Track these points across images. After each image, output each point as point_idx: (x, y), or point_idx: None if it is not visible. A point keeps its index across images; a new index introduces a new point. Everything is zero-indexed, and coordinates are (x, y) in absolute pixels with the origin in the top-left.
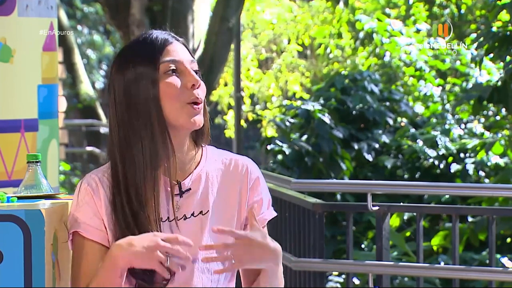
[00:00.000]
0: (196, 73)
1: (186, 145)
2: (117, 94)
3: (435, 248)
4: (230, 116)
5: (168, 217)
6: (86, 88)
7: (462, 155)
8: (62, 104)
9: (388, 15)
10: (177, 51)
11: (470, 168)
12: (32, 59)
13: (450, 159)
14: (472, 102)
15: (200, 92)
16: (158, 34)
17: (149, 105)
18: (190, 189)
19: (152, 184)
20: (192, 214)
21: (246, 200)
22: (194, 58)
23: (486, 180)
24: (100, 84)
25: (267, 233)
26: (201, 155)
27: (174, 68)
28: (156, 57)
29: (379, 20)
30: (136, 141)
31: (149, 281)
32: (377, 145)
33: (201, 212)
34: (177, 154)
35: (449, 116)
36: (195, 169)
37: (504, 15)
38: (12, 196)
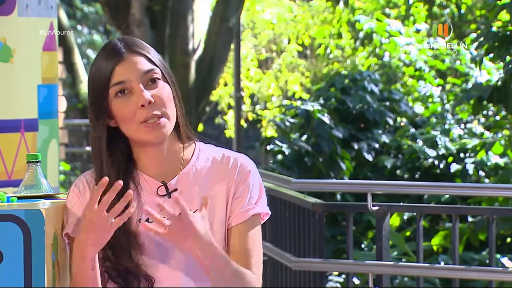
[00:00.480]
0: (156, 80)
1: (166, 148)
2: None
3: (435, 248)
4: (230, 116)
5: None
6: (86, 88)
7: (462, 155)
8: (62, 104)
9: (388, 15)
10: (127, 69)
11: (470, 168)
12: (32, 59)
13: (450, 159)
14: (472, 102)
15: (155, 107)
16: (110, 53)
17: (99, 124)
18: (176, 189)
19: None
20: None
21: (232, 194)
22: (156, 65)
23: (486, 180)
24: None
25: (211, 235)
26: (192, 154)
27: (124, 90)
28: (105, 84)
29: (378, 20)
30: (97, 151)
31: (125, 283)
32: (377, 145)
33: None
34: (158, 157)
35: (449, 116)
36: (183, 168)
37: (504, 15)
38: (12, 196)
